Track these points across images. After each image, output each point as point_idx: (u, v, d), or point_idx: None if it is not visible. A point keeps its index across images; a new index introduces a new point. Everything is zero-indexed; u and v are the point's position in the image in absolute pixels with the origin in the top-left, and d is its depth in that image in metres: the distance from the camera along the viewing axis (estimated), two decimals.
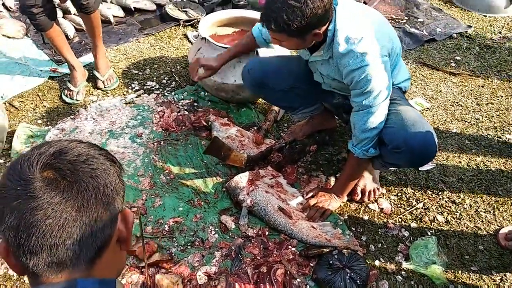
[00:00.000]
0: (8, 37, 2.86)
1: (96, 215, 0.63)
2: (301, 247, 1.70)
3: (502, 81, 2.65)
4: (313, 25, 1.43)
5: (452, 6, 3.46)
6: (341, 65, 1.53)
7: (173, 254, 1.66)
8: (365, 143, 1.61)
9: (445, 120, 2.36)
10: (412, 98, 2.48)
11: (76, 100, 2.38)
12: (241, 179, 1.86)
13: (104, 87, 2.49)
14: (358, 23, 1.51)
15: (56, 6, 2.26)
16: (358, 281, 1.54)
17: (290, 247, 1.69)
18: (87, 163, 0.65)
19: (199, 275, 1.57)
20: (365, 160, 1.68)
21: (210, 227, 1.77)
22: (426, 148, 1.52)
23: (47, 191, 0.61)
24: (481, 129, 2.30)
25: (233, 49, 2.05)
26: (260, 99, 2.45)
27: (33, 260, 0.61)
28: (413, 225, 1.81)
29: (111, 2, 3.19)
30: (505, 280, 1.63)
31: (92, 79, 2.54)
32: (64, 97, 2.40)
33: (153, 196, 1.89)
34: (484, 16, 3.31)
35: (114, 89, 2.50)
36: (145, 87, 2.53)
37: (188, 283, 1.56)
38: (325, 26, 1.49)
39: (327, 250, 1.64)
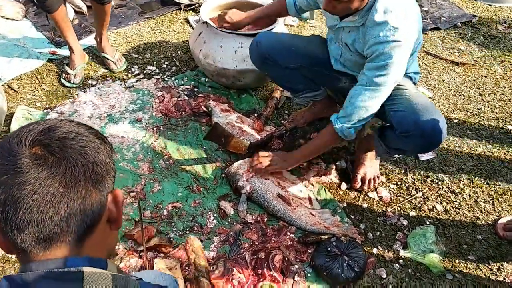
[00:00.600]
0: (7, 18, 2.83)
1: (84, 192, 0.63)
2: (299, 234, 1.70)
3: (505, 72, 2.63)
4: None
5: None
6: (370, 34, 1.49)
7: (171, 239, 1.66)
8: (351, 121, 1.58)
9: (447, 109, 2.35)
10: None
11: (74, 83, 2.36)
12: (241, 166, 1.86)
13: (117, 68, 2.47)
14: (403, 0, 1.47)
15: None
16: (355, 268, 1.55)
17: (288, 233, 1.70)
18: (76, 140, 0.65)
19: None
20: (337, 137, 1.65)
21: (209, 213, 1.77)
22: (436, 133, 1.50)
23: (34, 166, 0.60)
24: (483, 120, 2.29)
25: (263, 9, 2.03)
26: (261, 86, 2.43)
27: (20, 236, 0.61)
28: (412, 214, 1.81)
29: None
30: (502, 270, 1.64)
31: (95, 62, 2.51)
32: (62, 80, 2.38)
33: (152, 181, 1.88)
34: (489, 5, 3.27)
35: (114, 73, 2.48)
36: (145, 72, 2.51)
37: (186, 267, 1.56)
38: None
39: (326, 237, 1.64)
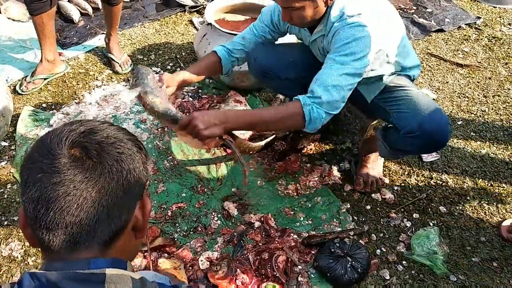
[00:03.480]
0: (13, 20, 2.86)
1: (115, 199, 0.63)
2: (302, 228, 1.70)
3: (509, 74, 2.62)
4: None
5: None
6: (330, 31, 1.50)
7: (175, 239, 1.67)
8: (322, 102, 1.41)
9: (451, 111, 2.34)
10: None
11: (22, 90, 2.29)
12: (151, 76, 1.51)
13: (122, 70, 2.48)
14: (358, 1, 1.48)
15: None
16: (359, 269, 1.55)
17: (292, 234, 1.70)
18: (114, 146, 0.65)
19: (201, 260, 1.59)
20: (300, 119, 1.42)
21: (213, 213, 1.78)
22: (441, 132, 1.50)
23: (71, 168, 0.61)
24: (487, 121, 2.29)
25: (201, 66, 1.73)
26: (265, 87, 2.43)
27: (48, 235, 0.61)
28: (416, 215, 1.81)
29: None
30: (506, 272, 1.63)
31: (100, 63, 2.53)
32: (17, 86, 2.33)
33: (156, 182, 1.89)
34: (494, 7, 3.26)
35: (119, 74, 2.50)
36: None
37: (190, 267, 1.57)
38: None
39: (329, 237, 1.65)
